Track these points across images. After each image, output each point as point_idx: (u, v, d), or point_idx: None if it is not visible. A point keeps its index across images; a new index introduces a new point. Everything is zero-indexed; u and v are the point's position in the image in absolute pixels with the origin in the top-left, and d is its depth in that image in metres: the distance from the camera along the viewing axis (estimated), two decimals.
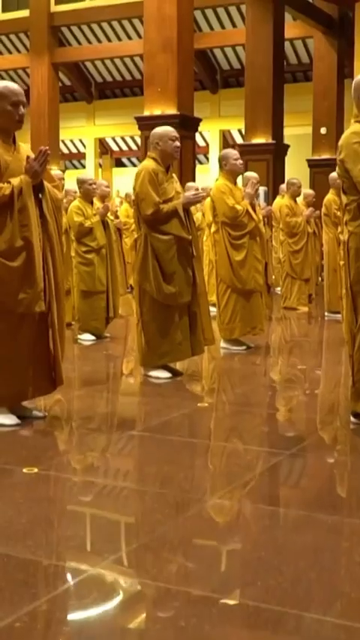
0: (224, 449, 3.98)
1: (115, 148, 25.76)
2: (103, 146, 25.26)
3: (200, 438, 4.26)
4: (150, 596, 2.35)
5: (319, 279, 11.28)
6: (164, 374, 5.41)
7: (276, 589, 2.34)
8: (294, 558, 2.54)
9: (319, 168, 17.24)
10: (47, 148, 4.10)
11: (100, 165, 25.12)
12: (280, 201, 10.41)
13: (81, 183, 7.33)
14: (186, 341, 5.35)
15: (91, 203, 7.34)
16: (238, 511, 3.05)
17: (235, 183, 6.63)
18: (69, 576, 2.46)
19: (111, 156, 25.87)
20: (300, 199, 10.21)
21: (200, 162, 21.76)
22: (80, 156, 25.44)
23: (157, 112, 12.46)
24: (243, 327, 6.57)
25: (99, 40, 20.96)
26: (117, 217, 11.05)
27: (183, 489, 3.25)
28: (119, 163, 26.38)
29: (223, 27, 19.72)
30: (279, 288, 10.66)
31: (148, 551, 2.64)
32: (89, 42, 21.04)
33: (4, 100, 4.05)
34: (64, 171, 19.49)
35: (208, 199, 7.06)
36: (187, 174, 12.51)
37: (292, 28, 17.67)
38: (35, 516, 2.90)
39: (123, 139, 25.11)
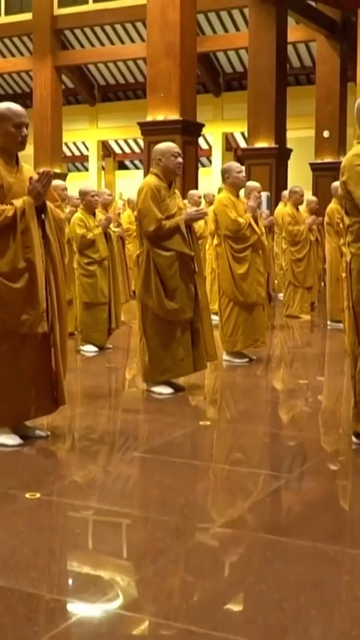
0: (226, 472, 3.98)
1: (117, 150, 25.76)
2: (105, 149, 25.26)
3: (202, 459, 4.26)
4: (151, 633, 2.36)
5: (322, 284, 11.28)
6: (166, 390, 5.42)
7: (276, 626, 2.35)
8: (295, 592, 2.55)
9: (321, 172, 17.25)
10: (50, 170, 4.11)
11: (103, 168, 25.13)
12: (283, 209, 10.42)
13: (83, 194, 7.32)
14: (188, 357, 5.37)
15: (94, 214, 7.35)
16: (240, 540, 3.05)
17: (237, 196, 6.63)
18: (70, 612, 2.47)
19: (114, 158, 25.87)
20: (303, 206, 10.21)
21: (203, 165, 21.77)
22: (83, 158, 25.44)
23: (160, 117, 12.47)
24: (245, 339, 6.57)
25: (102, 43, 20.95)
26: (119, 225, 11.02)
27: (185, 516, 3.25)
28: (122, 166, 26.39)
29: (226, 30, 19.72)
30: (281, 295, 10.66)
31: (150, 585, 2.65)
32: (92, 45, 21.04)
33: (7, 121, 4.06)
34: (66, 175, 19.54)
35: (211, 209, 7.05)
36: (190, 180, 12.53)
37: (295, 31, 17.67)
38: (38, 546, 2.91)
39: (126, 141, 25.11)
